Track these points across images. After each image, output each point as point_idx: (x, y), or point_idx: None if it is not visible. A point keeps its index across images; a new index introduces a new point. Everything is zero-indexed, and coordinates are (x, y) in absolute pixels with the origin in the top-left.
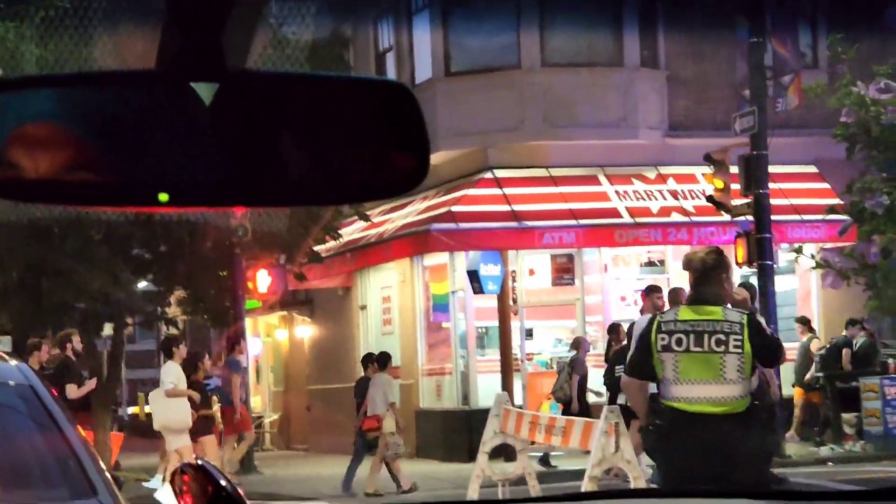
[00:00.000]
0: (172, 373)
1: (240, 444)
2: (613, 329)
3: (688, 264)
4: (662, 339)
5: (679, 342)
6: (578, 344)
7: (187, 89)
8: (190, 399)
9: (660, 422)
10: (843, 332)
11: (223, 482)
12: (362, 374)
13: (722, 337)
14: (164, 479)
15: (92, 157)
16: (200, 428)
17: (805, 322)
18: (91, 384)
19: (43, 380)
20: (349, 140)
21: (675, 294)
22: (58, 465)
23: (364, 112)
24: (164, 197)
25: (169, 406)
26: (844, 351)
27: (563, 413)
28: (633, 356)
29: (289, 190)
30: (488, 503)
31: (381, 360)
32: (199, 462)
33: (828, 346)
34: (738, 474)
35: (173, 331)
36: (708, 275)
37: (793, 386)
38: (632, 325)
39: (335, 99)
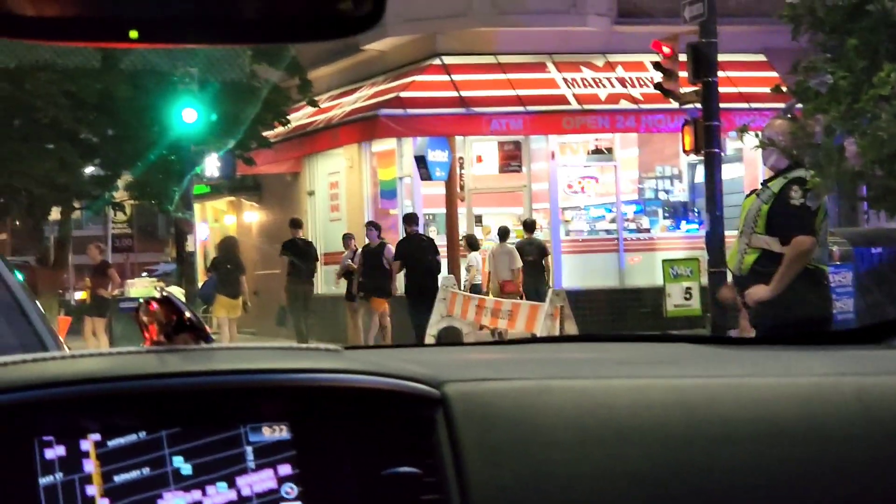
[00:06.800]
0: None
1: None
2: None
3: None
4: None
5: None
6: None
7: None
8: None
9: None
10: None
11: (187, 313)
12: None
13: None
14: None
15: None
16: None
17: None
18: None
19: (2, 256)
20: None
21: None
22: (12, 332)
23: None
24: (134, 34)
25: None
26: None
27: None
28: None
29: (253, 27)
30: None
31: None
32: (165, 294)
33: None
34: None
35: (121, 216)
36: None
37: None
38: None
39: None
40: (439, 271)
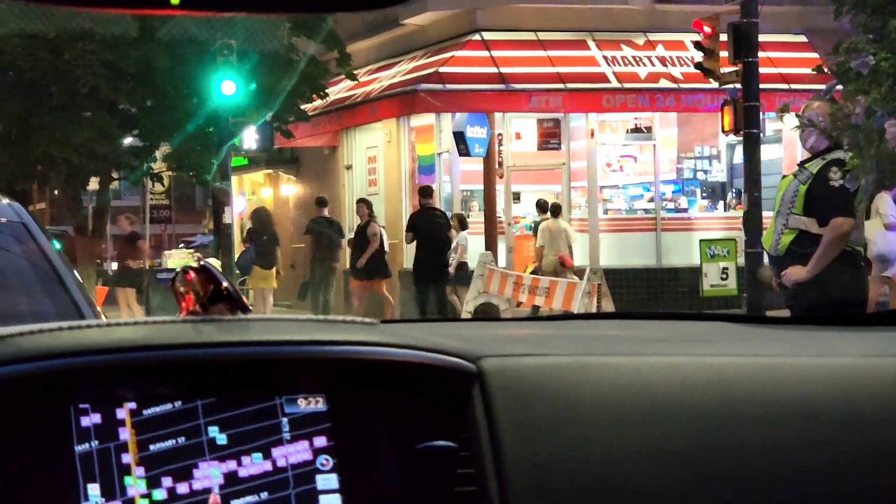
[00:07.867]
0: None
1: None
2: None
3: None
4: None
5: None
6: None
7: None
8: None
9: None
10: None
11: (224, 283)
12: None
13: None
14: None
15: None
16: None
17: None
18: None
19: (35, 218)
20: None
21: None
22: (50, 301)
23: None
24: (175, 0)
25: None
26: None
27: None
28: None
29: None
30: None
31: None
32: (202, 263)
33: None
34: None
35: (159, 187)
36: None
37: None
38: None
39: None
40: (449, 246)
